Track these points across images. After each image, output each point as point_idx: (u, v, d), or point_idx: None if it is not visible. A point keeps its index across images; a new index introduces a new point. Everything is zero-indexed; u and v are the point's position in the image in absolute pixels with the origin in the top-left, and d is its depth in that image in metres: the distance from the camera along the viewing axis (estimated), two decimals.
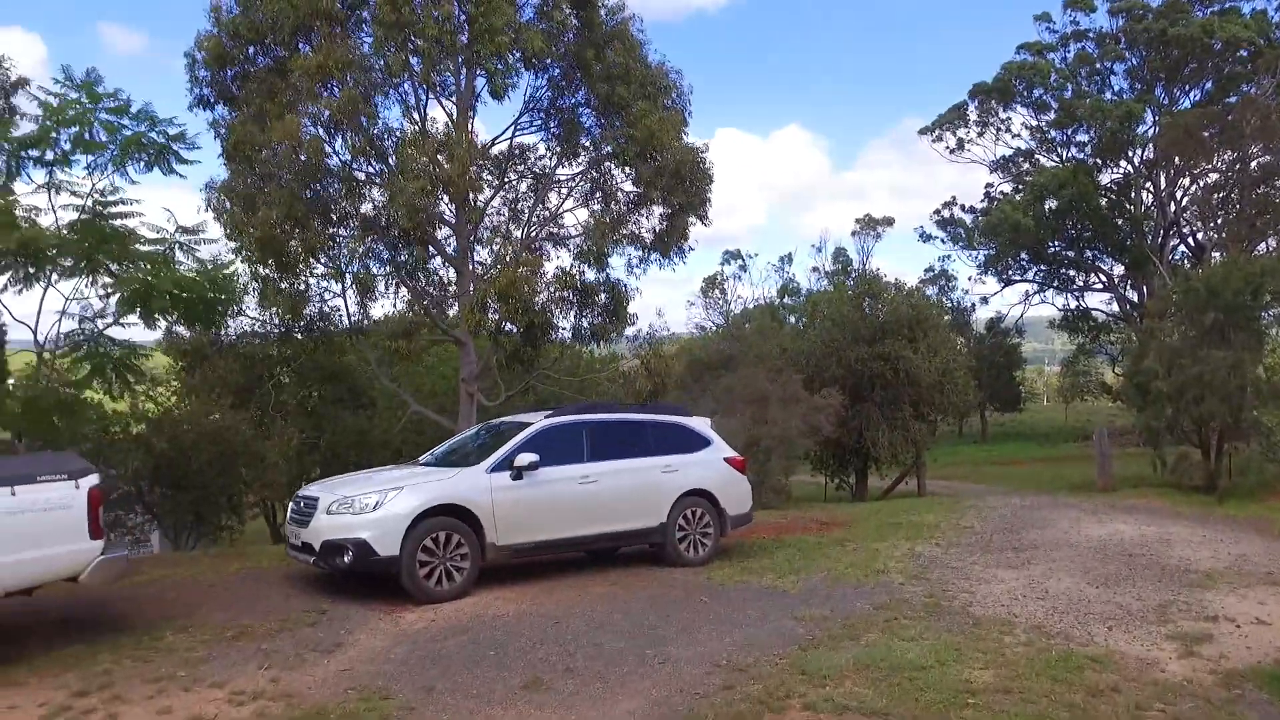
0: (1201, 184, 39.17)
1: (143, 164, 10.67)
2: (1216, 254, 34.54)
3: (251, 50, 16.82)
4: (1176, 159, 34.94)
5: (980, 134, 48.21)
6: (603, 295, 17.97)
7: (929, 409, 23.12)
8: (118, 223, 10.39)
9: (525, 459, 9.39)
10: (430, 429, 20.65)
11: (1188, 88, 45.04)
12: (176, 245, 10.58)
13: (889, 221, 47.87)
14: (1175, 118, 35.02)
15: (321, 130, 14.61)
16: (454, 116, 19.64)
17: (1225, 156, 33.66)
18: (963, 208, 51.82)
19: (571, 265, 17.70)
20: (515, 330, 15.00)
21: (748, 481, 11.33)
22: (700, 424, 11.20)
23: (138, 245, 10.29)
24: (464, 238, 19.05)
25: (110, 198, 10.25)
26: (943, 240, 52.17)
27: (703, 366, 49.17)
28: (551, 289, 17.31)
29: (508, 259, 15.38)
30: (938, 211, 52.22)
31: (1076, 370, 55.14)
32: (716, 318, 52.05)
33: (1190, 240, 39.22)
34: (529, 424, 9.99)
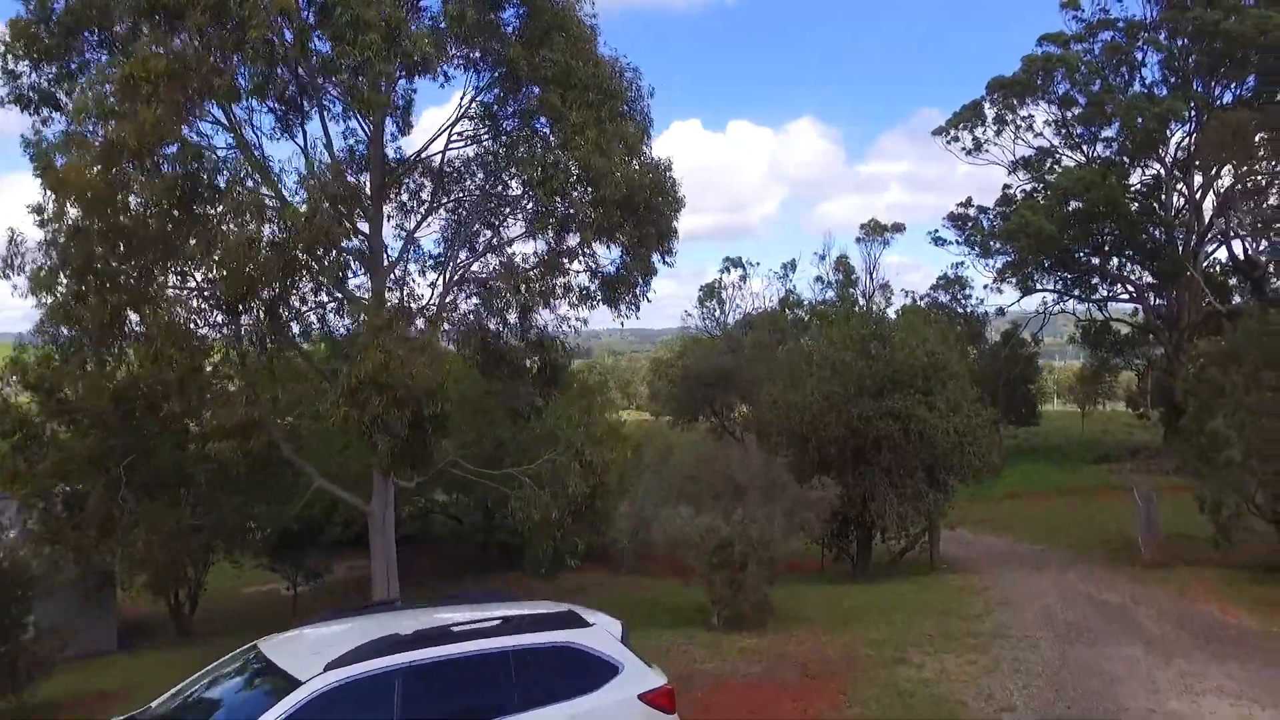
0: (1245, 187, 34.48)
1: None
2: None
3: (80, 42, 12.80)
4: (1216, 160, 30.35)
5: (998, 133, 43.48)
6: (534, 361, 13.83)
7: (945, 473, 18.87)
8: None
9: None
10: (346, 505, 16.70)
11: (1229, 83, 40.26)
12: None
13: (898, 228, 43.28)
14: (1221, 115, 30.34)
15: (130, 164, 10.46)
16: (369, 132, 15.69)
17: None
18: (979, 209, 47.15)
19: (494, 323, 13.53)
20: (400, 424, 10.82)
21: None
22: (601, 639, 6.90)
23: None
24: (380, 283, 15.04)
25: None
26: (956, 243, 47.51)
27: (698, 381, 45.05)
28: (462, 359, 13.20)
29: (381, 331, 11.11)
30: (952, 213, 47.57)
31: (1095, 380, 50.77)
32: (714, 328, 47.88)
33: (1234, 248, 34.44)
34: (296, 682, 5.81)
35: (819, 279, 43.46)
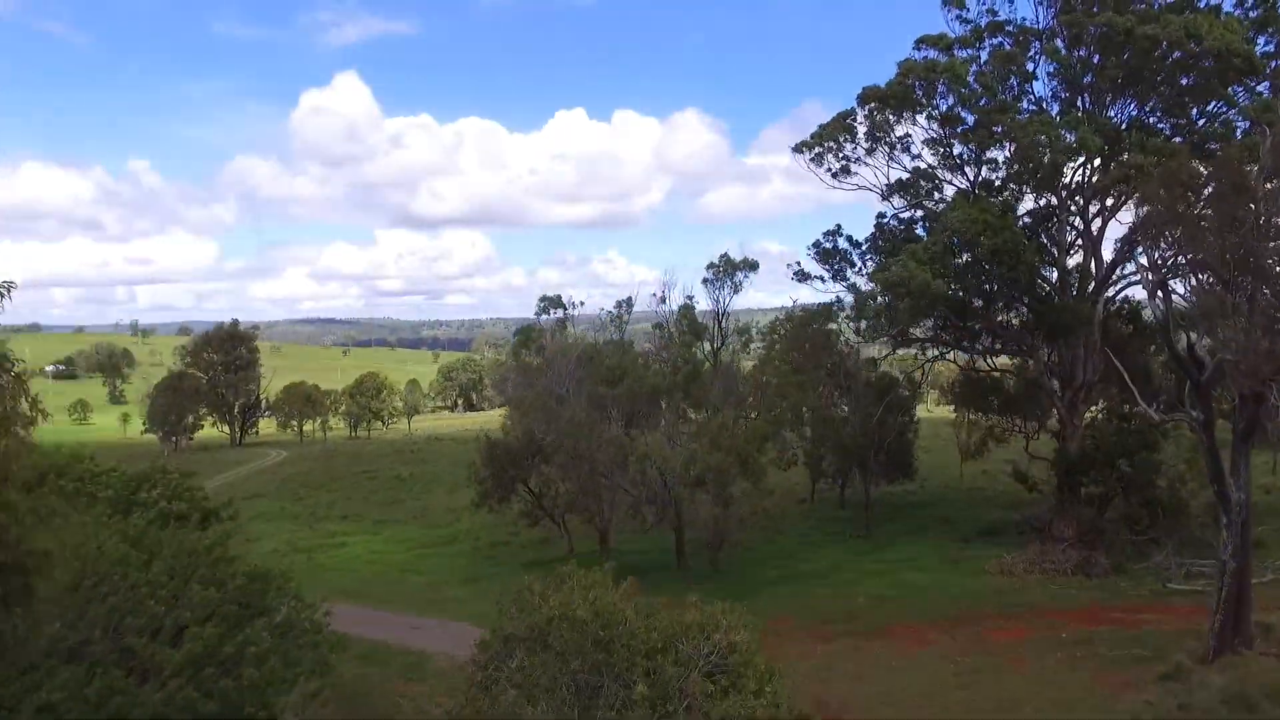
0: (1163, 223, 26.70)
1: None
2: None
3: None
4: (1159, 203, 22.25)
5: (870, 152, 34.89)
6: None
7: None
8: None
9: None
10: None
11: (1130, 103, 32.85)
12: None
13: (751, 265, 34.21)
14: (1172, 159, 22.22)
15: None
16: None
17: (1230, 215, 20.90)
18: (849, 239, 38.63)
19: None
20: None
21: None
22: None
23: None
24: None
25: None
26: (822, 279, 38.88)
27: (506, 458, 34.64)
28: None
29: None
30: (817, 244, 38.84)
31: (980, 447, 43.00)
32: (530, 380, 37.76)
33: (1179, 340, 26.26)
34: None
35: (658, 326, 34.07)
